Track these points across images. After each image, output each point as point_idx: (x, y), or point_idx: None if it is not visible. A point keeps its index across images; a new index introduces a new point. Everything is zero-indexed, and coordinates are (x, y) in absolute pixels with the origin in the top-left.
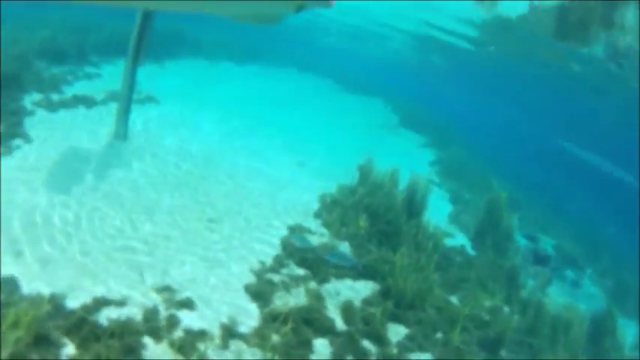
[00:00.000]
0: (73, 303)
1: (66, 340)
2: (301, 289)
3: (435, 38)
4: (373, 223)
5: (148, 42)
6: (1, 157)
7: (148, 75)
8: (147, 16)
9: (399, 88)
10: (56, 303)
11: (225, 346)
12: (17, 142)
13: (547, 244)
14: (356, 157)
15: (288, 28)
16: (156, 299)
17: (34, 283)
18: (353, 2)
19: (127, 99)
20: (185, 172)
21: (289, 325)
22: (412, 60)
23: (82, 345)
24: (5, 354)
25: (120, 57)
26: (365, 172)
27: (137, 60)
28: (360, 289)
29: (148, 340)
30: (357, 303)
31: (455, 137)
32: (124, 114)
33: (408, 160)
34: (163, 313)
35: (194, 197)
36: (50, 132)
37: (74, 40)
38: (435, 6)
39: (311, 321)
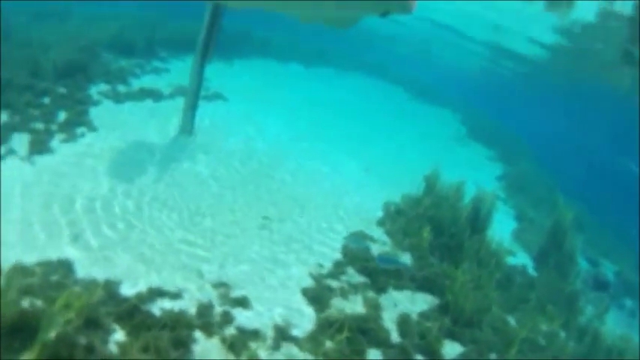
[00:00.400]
0: (128, 291)
1: (116, 327)
2: (359, 297)
3: (507, 48)
4: (436, 235)
5: (216, 39)
6: (65, 144)
7: (216, 72)
8: (216, 13)
9: (469, 99)
10: (110, 289)
11: (276, 347)
12: (81, 130)
13: (608, 270)
14: (422, 167)
15: (358, 32)
16: (211, 294)
17: (90, 268)
18: (425, 10)
19: (194, 94)
20: (249, 171)
21: (344, 334)
22: (483, 70)
23: (131, 333)
24: (53, 334)
25: (188, 53)
26: (431, 183)
27: (206, 56)
28: (418, 302)
29: (199, 335)
30: (414, 316)
31: (523, 152)
32: (191, 109)
33: (474, 173)
34: (218, 309)
35: (257, 196)
36: (115, 122)
37: (143, 34)
38: (507, 15)
39: (366, 330)
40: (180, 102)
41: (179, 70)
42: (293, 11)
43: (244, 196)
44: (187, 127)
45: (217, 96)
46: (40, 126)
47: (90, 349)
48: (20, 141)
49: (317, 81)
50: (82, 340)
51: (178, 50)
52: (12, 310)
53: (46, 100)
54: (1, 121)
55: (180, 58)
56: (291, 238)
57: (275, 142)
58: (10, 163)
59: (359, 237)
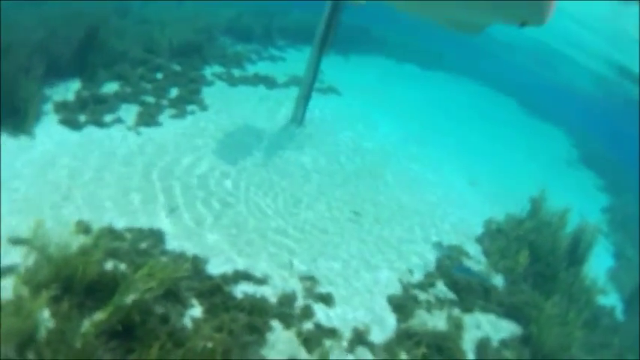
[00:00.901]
0: (214, 269)
1: (195, 303)
2: (444, 313)
3: (629, 70)
4: (533, 262)
5: (335, 33)
6: (174, 119)
7: (332, 66)
8: (336, 6)
9: (585, 120)
10: (197, 265)
11: (351, 350)
12: (191, 107)
13: None
14: (529, 187)
15: (479, 40)
16: (297, 286)
17: (180, 242)
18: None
19: (309, 86)
20: (354, 168)
21: (421, 349)
22: (605, 92)
23: (209, 311)
24: (129, 299)
25: (305, 44)
26: (535, 206)
27: (323, 49)
28: (501, 328)
29: (276, 324)
30: (495, 342)
31: (634, 184)
32: (304, 100)
33: (580, 202)
34: (300, 301)
35: (358, 194)
36: (226, 104)
37: (261, 21)
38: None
39: (443, 349)
40: (293, 91)
41: (295, 60)
42: (423, 11)
43: (345, 193)
44: (298, 117)
45: (331, 89)
46: (150, 99)
47: (164, 319)
48: (129, 111)
49: (431, 84)
50: (158, 310)
51: (296, 40)
52: (94, 270)
53: (159, 76)
54: (112, 90)
55: (298, 48)
56: (385, 241)
57: (383, 142)
58: (116, 131)
59: (466, 266)
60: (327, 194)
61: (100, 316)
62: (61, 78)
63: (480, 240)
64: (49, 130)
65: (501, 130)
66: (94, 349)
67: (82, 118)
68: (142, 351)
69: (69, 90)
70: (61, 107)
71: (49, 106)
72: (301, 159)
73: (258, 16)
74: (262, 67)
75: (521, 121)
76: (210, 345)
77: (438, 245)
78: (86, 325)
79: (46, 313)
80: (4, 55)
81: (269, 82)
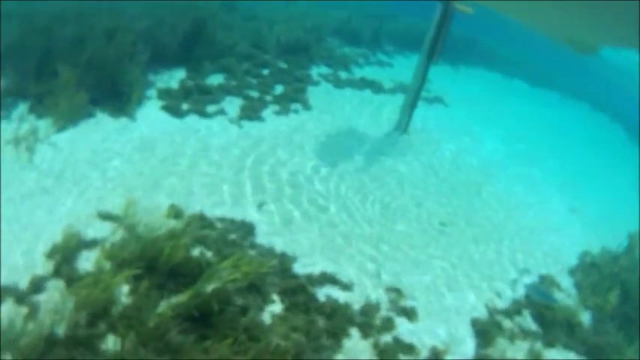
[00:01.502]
0: (300, 269)
1: (276, 299)
2: (525, 345)
3: None
4: (622, 302)
5: (444, 42)
6: (277, 116)
7: (440, 75)
8: (446, 14)
9: None
10: (284, 262)
11: None
12: (295, 106)
13: None
14: (630, 220)
15: (589, 59)
16: (382, 297)
17: (270, 237)
18: None
19: (415, 94)
20: (454, 183)
21: None
22: None
23: (289, 309)
24: (210, 287)
25: (413, 51)
26: (632, 242)
27: (432, 57)
28: None
29: (354, 332)
30: None
31: None
32: (410, 108)
33: None
34: (383, 312)
35: (453, 209)
36: (330, 105)
37: (370, 25)
38: None
39: None
40: (399, 98)
41: (402, 67)
42: (536, 23)
43: (443, 207)
44: (403, 124)
45: (437, 99)
46: (254, 94)
47: (243, 310)
48: (232, 104)
49: (539, 103)
50: (239, 301)
51: (404, 46)
52: (179, 254)
53: (265, 72)
54: (217, 82)
55: (405, 55)
56: (475, 261)
57: (487, 158)
58: (217, 122)
59: (542, 288)
60: (422, 206)
61: (178, 299)
62: (166, 66)
63: (572, 272)
64: (151, 115)
65: (607, 157)
66: (166, 329)
67: (185, 106)
68: (216, 339)
69: (173, 78)
70: (165, 94)
71: (152, 92)
72: (400, 167)
73: (367, 20)
74: (369, 72)
75: (627, 148)
76: (283, 344)
77: (528, 272)
78: (163, 305)
79: (125, 290)
80: (109, 39)
81: (375, 87)
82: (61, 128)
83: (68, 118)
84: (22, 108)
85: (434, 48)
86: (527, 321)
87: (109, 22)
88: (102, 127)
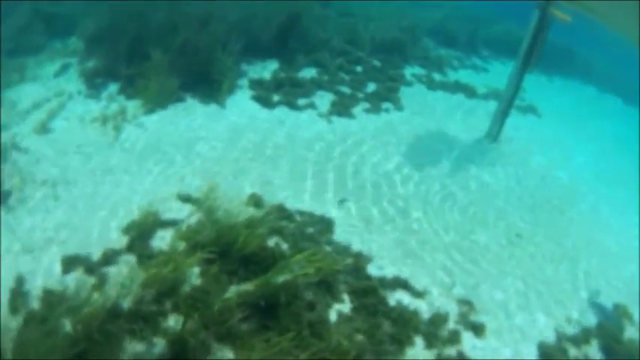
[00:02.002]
0: (374, 270)
1: (346, 298)
2: None
3: None
4: None
5: (540, 50)
6: (367, 114)
7: (534, 85)
8: (543, 22)
9: None
10: (359, 262)
11: None
12: (387, 105)
13: None
14: None
15: None
16: (452, 308)
17: (348, 235)
18: None
19: (508, 102)
20: (541, 198)
21: None
22: None
23: (357, 310)
24: (280, 279)
25: (509, 57)
26: None
27: (527, 65)
28: None
29: (419, 341)
30: None
31: None
32: (502, 116)
33: None
34: (450, 324)
35: (538, 226)
36: (421, 107)
37: (466, 28)
38: None
39: None
40: (491, 105)
41: (498, 73)
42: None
43: (527, 224)
44: (493, 132)
45: (531, 109)
46: (346, 90)
47: (310, 306)
48: (323, 99)
49: (633, 121)
50: (307, 296)
51: (500, 52)
52: (255, 242)
53: (358, 69)
54: (310, 76)
55: (502, 61)
56: (551, 282)
57: (576, 175)
58: (306, 116)
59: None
60: (502, 218)
61: (247, 286)
62: (259, 57)
63: None
64: (241, 103)
65: None
66: (230, 315)
67: (276, 97)
68: (278, 331)
69: (265, 69)
70: (256, 84)
71: (243, 82)
72: (485, 177)
73: (463, 22)
74: (463, 75)
75: None
76: (345, 343)
77: (605, 300)
78: (232, 291)
79: (195, 272)
80: (202, 27)
81: (468, 92)
82: (150, 110)
83: (157, 101)
84: (112, 89)
85: (529, 55)
86: (595, 352)
87: (202, 10)
88: (190, 112)
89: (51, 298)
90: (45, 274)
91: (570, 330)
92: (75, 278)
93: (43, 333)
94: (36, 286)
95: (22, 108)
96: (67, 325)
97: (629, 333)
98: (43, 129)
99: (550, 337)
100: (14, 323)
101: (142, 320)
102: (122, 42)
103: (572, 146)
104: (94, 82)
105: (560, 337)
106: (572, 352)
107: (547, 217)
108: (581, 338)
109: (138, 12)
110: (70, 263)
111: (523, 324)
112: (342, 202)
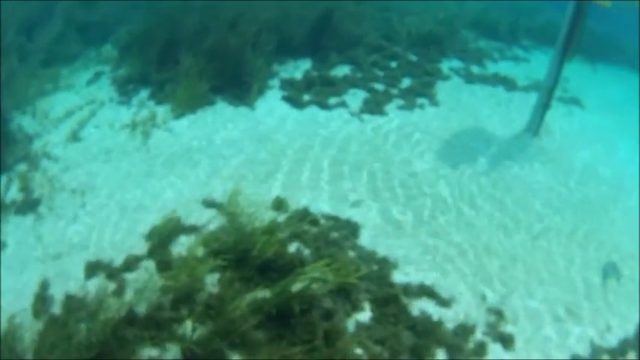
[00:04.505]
0: (399, 277)
1: (366, 307)
2: None
3: None
4: None
5: (580, 38)
6: (401, 111)
7: (578, 74)
8: (580, 7)
9: None
10: (383, 268)
11: None
12: (422, 101)
13: None
14: None
15: None
16: (480, 318)
17: (375, 240)
18: None
19: (548, 93)
20: (583, 196)
21: None
22: None
23: (377, 319)
24: (297, 288)
25: (553, 47)
26: None
27: (565, 53)
28: None
29: (441, 354)
30: None
31: None
32: (542, 108)
33: None
34: (477, 335)
35: (579, 229)
36: (458, 102)
37: (507, 18)
38: None
39: None
40: (533, 97)
41: (540, 63)
42: None
43: (563, 223)
44: (534, 126)
45: (574, 100)
46: (380, 87)
47: (328, 314)
48: (355, 97)
49: None
50: (326, 304)
51: (543, 41)
52: (272, 248)
53: (393, 64)
54: (342, 74)
55: (544, 51)
56: (590, 290)
57: (620, 170)
58: (337, 115)
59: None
60: (551, 222)
61: (262, 294)
62: (292, 57)
63: None
64: (271, 104)
65: None
66: (244, 323)
67: (306, 97)
68: (292, 341)
69: (298, 69)
70: (288, 84)
71: (275, 82)
72: (524, 174)
73: (504, 12)
74: (504, 67)
75: None
76: (360, 355)
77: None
78: (247, 299)
79: (214, 278)
80: (231, 28)
81: (508, 84)
82: (179, 115)
83: (187, 106)
84: (143, 95)
85: (568, 43)
86: None
87: (232, 11)
88: (219, 115)
89: (72, 303)
90: (69, 279)
91: (607, 342)
92: (96, 284)
93: (62, 337)
94: (59, 292)
95: (55, 117)
96: (85, 330)
97: None
98: (74, 137)
99: (585, 349)
100: (36, 327)
101: (156, 326)
102: (154, 47)
103: (617, 139)
104: (125, 89)
105: (597, 349)
106: None
107: (589, 218)
108: (619, 351)
109: (170, 16)
110: (93, 269)
111: (556, 335)
112: (355, 204)
